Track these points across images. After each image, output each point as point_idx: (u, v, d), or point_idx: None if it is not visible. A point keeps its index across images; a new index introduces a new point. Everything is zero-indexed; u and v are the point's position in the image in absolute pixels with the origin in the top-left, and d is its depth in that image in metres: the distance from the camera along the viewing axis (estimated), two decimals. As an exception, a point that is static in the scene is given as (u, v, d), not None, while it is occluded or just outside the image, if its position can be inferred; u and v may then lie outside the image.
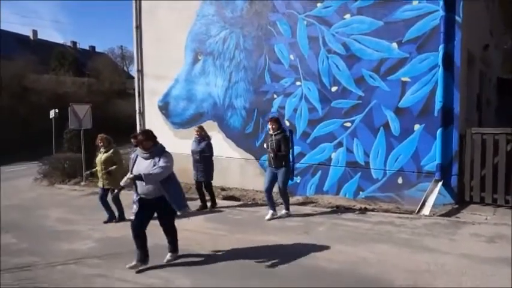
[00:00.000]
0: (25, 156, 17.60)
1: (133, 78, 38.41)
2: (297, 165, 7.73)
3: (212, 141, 8.63)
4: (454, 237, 4.72)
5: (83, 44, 39.19)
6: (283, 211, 6.16)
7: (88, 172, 7.84)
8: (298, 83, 7.59)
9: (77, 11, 64.21)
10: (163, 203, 4.14)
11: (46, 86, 24.19)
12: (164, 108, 9.70)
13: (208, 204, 7.02)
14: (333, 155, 7.28)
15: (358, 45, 6.84)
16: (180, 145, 9.21)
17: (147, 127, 10.13)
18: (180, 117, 9.45)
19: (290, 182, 7.77)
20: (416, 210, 5.86)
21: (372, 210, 6.29)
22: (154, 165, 4.06)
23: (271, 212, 6.04)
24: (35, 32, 33.55)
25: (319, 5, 7.19)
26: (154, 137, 4.27)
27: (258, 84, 8.10)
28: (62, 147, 13.60)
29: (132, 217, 4.25)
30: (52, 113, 13.21)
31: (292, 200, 7.35)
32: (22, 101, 22.13)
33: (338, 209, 6.42)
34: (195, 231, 5.57)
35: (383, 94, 6.68)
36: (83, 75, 29.17)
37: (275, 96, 7.90)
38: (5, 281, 4.06)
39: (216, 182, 8.75)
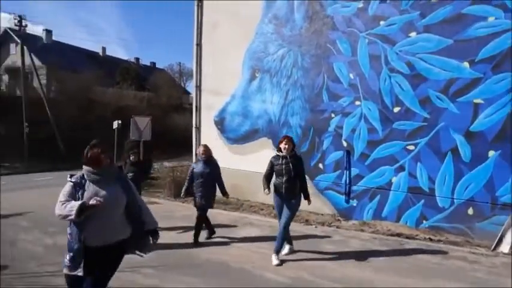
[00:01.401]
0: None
1: (189, 93, 40.20)
2: (354, 187, 7.44)
3: (265, 159, 8.60)
4: (540, 280, 4.17)
5: (145, 61, 41.82)
6: (287, 247, 5.17)
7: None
8: (357, 103, 7.35)
9: (140, 29, 68.94)
10: None
11: (110, 99, 25.93)
12: (220, 123, 9.87)
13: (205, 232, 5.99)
14: (394, 179, 6.89)
15: (424, 65, 6.49)
16: (233, 160, 9.35)
17: (203, 141, 10.38)
18: (235, 132, 9.56)
19: (346, 204, 7.57)
20: (493, 247, 5.30)
21: (438, 241, 5.80)
22: (123, 190, 3.03)
23: (288, 246, 5.18)
24: (103, 49, 36.42)
25: (382, 22, 6.97)
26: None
27: (315, 103, 7.96)
28: (122, 157, 14.40)
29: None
30: (115, 124, 14.00)
31: (347, 224, 7.06)
32: (88, 111, 23.90)
33: (400, 238, 5.99)
34: (248, 249, 5.47)
35: (452, 116, 6.23)
36: (143, 90, 30.94)
37: (332, 115, 7.70)
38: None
39: (268, 200, 8.69)
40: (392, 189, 6.94)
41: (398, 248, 5.45)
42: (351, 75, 7.41)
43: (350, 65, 7.41)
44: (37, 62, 23.47)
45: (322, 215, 7.73)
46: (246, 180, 9.08)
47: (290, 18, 8.35)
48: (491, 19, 5.80)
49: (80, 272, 2.84)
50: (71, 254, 2.86)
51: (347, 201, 7.58)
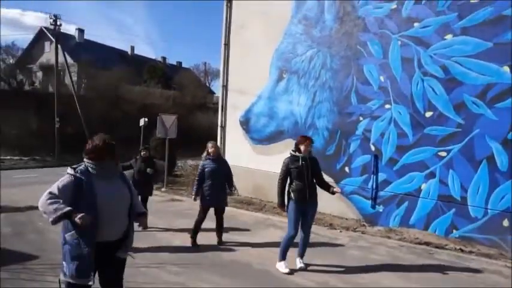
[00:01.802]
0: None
1: (213, 93, 40.51)
2: (381, 193, 7.26)
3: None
4: None
5: (171, 60, 42.49)
6: (300, 260, 4.75)
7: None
8: (387, 106, 7.16)
9: (167, 29, 70.14)
10: None
11: (137, 96, 26.49)
12: (245, 123, 9.87)
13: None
14: (423, 186, 6.67)
15: (460, 68, 6.25)
16: (257, 161, 9.32)
17: (228, 141, 10.43)
18: (259, 133, 9.52)
19: (372, 210, 7.40)
20: (529, 261, 5.03)
21: (470, 252, 5.56)
22: (126, 186, 2.96)
23: (284, 262, 4.63)
24: (132, 48, 37.28)
25: (416, 24, 6.77)
26: None
27: (343, 105, 7.82)
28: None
29: None
30: (142, 122, 14.26)
31: (373, 230, 6.90)
32: (115, 108, 24.49)
33: (428, 247, 5.79)
34: (271, 251, 5.41)
35: (488, 123, 5.97)
36: (169, 88, 31.43)
37: (361, 118, 7.54)
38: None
39: (291, 201, 8.63)
40: (421, 196, 6.72)
41: (427, 258, 5.26)
42: (382, 78, 7.23)
43: (381, 67, 7.23)
44: (69, 60, 24.26)
45: (346, 219, 7.59)
46: (269, 181, 9.01)
47: (320, 19, 8.24)
48: (535, 22, 5.53)
49: (90, 281, 2.57)
50: (77, 261, 2.54)
51: (373, 207, 7.40)
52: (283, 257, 4.61)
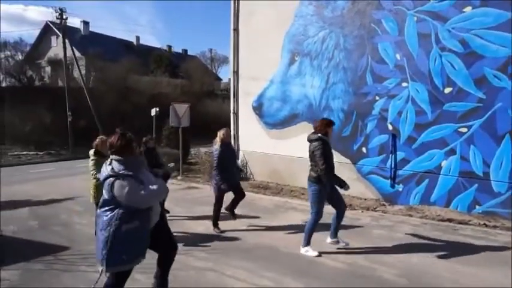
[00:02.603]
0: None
1: (221, 80, 40.29)
2: (400, 172, 7.22)
3: (306, 143, 8.46)
4: None
5: (177, 48, 42.28)
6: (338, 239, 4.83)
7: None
8: (404, 84, 7.05)
9: (171, 16, 69.50)
10: None
11: (145, 87, 26.54)
12: (258, 108, 9.83)
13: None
14: (444, 163, 6.61)
15: (480, 41, 6.09)
16: (272, 145, 9.33)
17: (241, 127, 10.42)
18: (273, 118, 9.49)
19: (391, 189, 7.38)
20: (557, 233, 4.99)
21: (494, 227, 5.54)
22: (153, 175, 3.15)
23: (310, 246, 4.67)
24: (137, 38, 37.14)
25: (432, -2, 6.59)
26: None
27: (359, 86, 7.73)
28: (161, 143, 14.74)
29: None
30: (153, 111, 14.32)
31: (393, 209, 6.90)
32: (124, 99, 24.59)
33: (452, 223, 5.78)
34: (293, 233, 5.47)
35: (511, 96, 5.84)
36: (177, 77, 31.38)
37: (377, 98, 7.45)
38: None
39: (306, 184, 8.64)
40: (442, 173, 6.67)
41: (452, 234, 5.26)
42: (398, 56, 7.10)
43: (397, 45, 7.09)
44: (77, 53, 24.30)
45: (365, 199, 7.59)
46: (285, 165, 9.06)
47: (331, -2, 8.07)
48: (559, -11, 5.33)
49: (142, 258, 2.82)
50: (136, 245, 2.73)
51: (392, 186, 7.38)
52: (309, 242, 4.62)
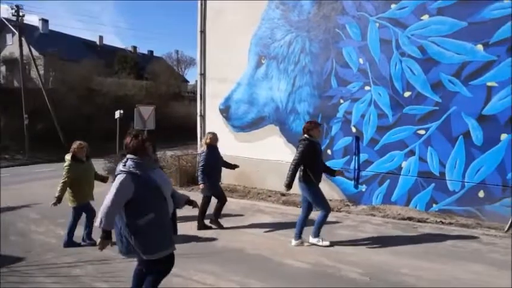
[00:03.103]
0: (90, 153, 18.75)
1: (187, 81, 39.75)
2: (363, 173, 7.44)
3: (272, 146, 8.58)
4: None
5: (142, 49, 41.34)
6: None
7: None
8: (367, 88, 7.29)
9: (137, 17, 67.89)
10: None
11: (109, 88, 25.74)
12: (225, 111, 9.80)
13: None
14: (404, 164, 6.88)
15: (437, 48, 6.41)
16: (239, 148, 9.31)
17: (208, 129, 10.32)
18: (240, 120, 9.49)
19: (355, 190, 7.59)
20: (506, 228, 5.33)
21: (449, 224, 5.84)
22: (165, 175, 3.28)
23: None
24: (101, 38, 35.97)
25: (393, 6, 6.87)
26: None
27: (324, 89, 7.90)
28: (88, 152, 14.36)
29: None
30: (117, 114, 13.91)
31: (357, 209, 7.09)
32: (88, 101, 23.72)
33: (411, 221, 6.02)
34: (262, 236, 5.49)
35: (464, 100, 6.19)
36: (142, 79, 30.67)
37: (341, 101, 7.65)
38: (89, 272, 4.23)
39: (275, 186, 8.71)
40: (402, 173, 6.94)
41: (411, 232, 5.48)
42: (361, 60, 7.33)
43: (360, 50, 7.32)
44: (34, 53, 23.14)
45: (330, 200, 7.69)
46: (252, 168, 9.08)
47: (298, 3, 8.20)
48: (506, 0, 5.71)
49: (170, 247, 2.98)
50: (161, 235, 2.91)
51: (356, 187, 7.58)
52: (319, 234, 4.96)
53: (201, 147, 5.89)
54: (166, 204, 2.96)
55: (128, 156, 2.91)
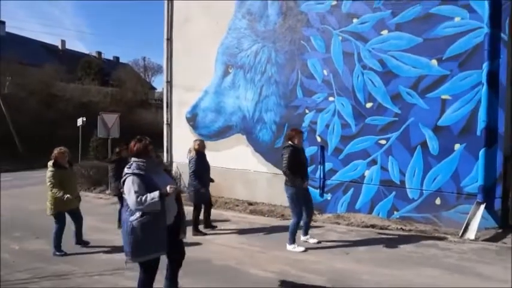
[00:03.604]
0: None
1: (155, 89, 39.09)
2: (328, 182, 7.61)
3: (239, 155, 8.59)
4: (508, 264, 4.46)
5: (108, 55, 40.28)
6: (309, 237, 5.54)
7: None
8: (331, 99, 7.50)
9: (100, 22, 66.10)
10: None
11: (72, 94, 24.81)
12: (192, 119, 9.73)
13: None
14: (366, 173, 7.11)
15: (396, 62, 6.73)
16: (207, 157, 9.24)
17: (174, 138, 10.22)
18: (207, 129, 9.46)
19: (320, 198, 7.73)
20: (460, 234, 5.62)
21: (409, 231, 6.08)
22: (171, 178, 3.49)
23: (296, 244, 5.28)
24: (63, 42, 34.71)
25: (355, 20, 7.14)
26: None
27: (290, 99, 8.04)
28: (88, 155, 13.84)
29: None
30: (80, 121, 13.44)
31: (322, 217, 7.23)
32: (49, 107, 22.71)
33: (374, 229, 6.22)
34: (230, 246, 5.47)
35: (421, 112, 6.52)
36: (107, 85, 29.82)
37: (307, 111, 7.82)
38: (45, 290, 4.04)
39: (242, 196, 8.73)
40: (365, 182, 7.16)
41: (373, 239, 5.66)
42: (325, 72, 7.54)
43: (324, 61, 7.54)
44: (-11, 55, 21.94)
45: (297, 209, 7.85)
46: (220, 177, 8.97)
47: (264, 14, 8.35)
48: (457, 19, 6.10)
49: (160, 252, 3.12)
50: (154, 238, 3.04)
51: (321, 195, 7.73)
52: (294, 240, 5.20)
53: (189, 153, 6.12)
54: (163, 208, 3.04)
55: (133, 159, 3.14)
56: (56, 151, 5.29)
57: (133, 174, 3.03)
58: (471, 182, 6.10)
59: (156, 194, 2.95)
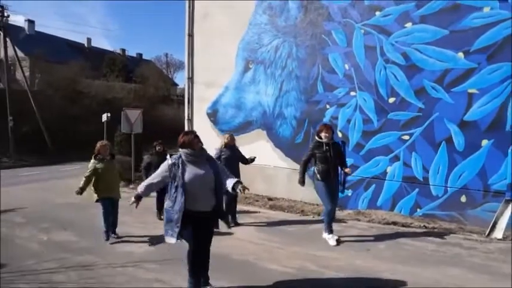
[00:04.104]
0: (76, 157, 18.46)
1: (177, 85, 39.65)
2: (349, 177, 7.46)
3: (260, 150, 8.61)
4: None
5: (131, 52, 41.05)
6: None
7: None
8: (352, 93, 7.38)
9: (126, 20, 67.39)
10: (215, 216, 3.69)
11: (97, 91, 25.47)
12: (213, 115, 9.80)
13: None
14: (389, 169, 6.97)
15: (420, 55, 6.54)
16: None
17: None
18: (228, 124, 9.50)
19: (341, 194, 7.63)
20: (487, 233, 5.44)
21: (433, 228, 5.93)
22: (212, 170, 3.54)
23: (332, 235, 5.31)
24: (89, 40, 35.64)
25: (377, 13, 6.98)
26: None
27: (310, 94, 7.97)
28: (112, 150, 14.19)
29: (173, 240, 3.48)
30: (104, 117, 13.74)
31: (343, 214, 7.14)
32: (75, 103, 23.42)
33: (395, 226, 6.10)
34: (248, 241, 5.49)
35: (446, 106, 6.32)
36: (130, 81, 30.43)
37: (328, 106, 7.72)
38: (71, 279, 4.18)
39: (262, 191, 8.73)
40: (387, 178, 7.03)
41: (395, 236, 5.55)
42: (346, 66, 7.42)
43: (345, 55, 7.41)
44: (20, 54, 22.78)
45: (317, 205, 7.78)
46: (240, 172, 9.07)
47: (284, 8, 8.28)
48: (486, 9, 5.86)
49: (174, 240, 3.48)
50: (169, 224, 3.48)
51: (342, 191, 7.57)
52: (330, 231, 5.32)
53: (219, 147, 6.39)
54: (179, 197, 3.37)
55: (181, 150, 3.48)
56: (98, 144, 5.64)
57: (169, 161, 3.45)
58: (499, 180, 5.88)
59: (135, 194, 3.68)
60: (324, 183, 5.21)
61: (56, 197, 9.10)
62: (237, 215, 6.51)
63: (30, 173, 15.68)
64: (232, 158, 6.33)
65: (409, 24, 6.61)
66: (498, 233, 5.35)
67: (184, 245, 3.64)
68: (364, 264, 4.43)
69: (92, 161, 5.58)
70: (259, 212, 7.46)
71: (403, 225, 6.17)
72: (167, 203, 3.49)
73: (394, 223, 6.29)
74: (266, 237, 5.66)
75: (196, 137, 3.50)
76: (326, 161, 5.20)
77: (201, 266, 3.67)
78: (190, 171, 3.41)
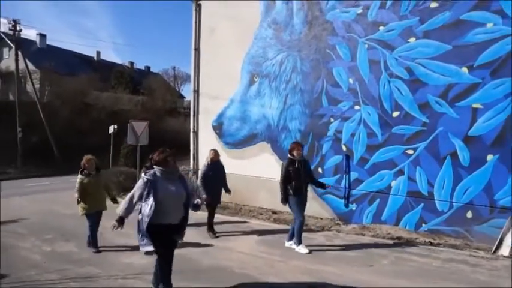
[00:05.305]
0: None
1: (184, 97, 39.99)
2: (353, 191, 7.47)
3: (264, 163, 8.64)
4: (542, 284, 4.21)
5: (139, 65, 41.67)
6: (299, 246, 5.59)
7: None
8: (356, 107, 7.39)
9: (135, 34, 68.68)
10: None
11: (105, 103, 25.79)
12: (218, 128, 9.85)
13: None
14: (393, 183, 6.93)
15: (423, 70, 6.56)
16: (232, 165, 9.28)
17: (201, 146, 10.36)
18: (233, 137, 9.54)
19: (345, 208, 7.59)
20: (493, 250, 5.34)
21: (438, 244, 5.84)
22: (183, 186, 3.79)
23: (302, 245, 5.56)
24: (98, 53, 36.27)
25: (381, 28, 7.04)
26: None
27: (315, 108, 8.00)
28: (118, 161, 14.29)
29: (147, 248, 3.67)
30: (111, 129, 13.93)
31: (347, 228, 7.07)
32: (82, 115, 23.71)
33: (400, 241, 6.02)
34: (249, 254, 5.46)
35: (450, 121, 6.30)
36: (138, 94, 30.79)
37: (332, 120, 7.74)
38: (72, 291, 4.17)
39: (267, 204, 8.69)
40: (391, 193, 6.97)
41: (399, 252, 5.47)
42: (350, 80, 7.46)
43: (349, 70, 7.46)
44: (31, 66, 23.26)
45: (321, 219, 7.74)
46: (244, 185, 9.06)
47: (289, 23, 8.39)
48: (489, 25, 5.89)
49: (148, 249, 3.66)
50: (140, 234, 3.68)
51: (346, 205, 7.60)
52: (300, 241, 5.55)
53: (205, 163, 6.66)
54: (147, 209, 3.56)
55: (154, 167, 3.68)
56: (84, 159, 5.71)
57: (145, 178, 3.61)
58: (505, 195, 5.81)
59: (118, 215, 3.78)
60: (297, 198, 5.49)
61: (62, 208, 9.14)
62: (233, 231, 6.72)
63: (36, 183, 15.82)
64: (217, 173, 6.54)
65: (412, 39, 6.66)
66: (505, 250, 5.26)
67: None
68: (366, 280, 4.37)
69: (79, 176, 5.67)
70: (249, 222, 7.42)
71: (408, 241, 6.10)
72: (139, 216, 3.67)
73: (399, 238, 6.22)
74: (268, 251, 5.61)
75: (171, 155, 3.69)
76: (299, 177, 5.46)
77: (170, 274, 3.81)
78: (164, 187, 3.63)
